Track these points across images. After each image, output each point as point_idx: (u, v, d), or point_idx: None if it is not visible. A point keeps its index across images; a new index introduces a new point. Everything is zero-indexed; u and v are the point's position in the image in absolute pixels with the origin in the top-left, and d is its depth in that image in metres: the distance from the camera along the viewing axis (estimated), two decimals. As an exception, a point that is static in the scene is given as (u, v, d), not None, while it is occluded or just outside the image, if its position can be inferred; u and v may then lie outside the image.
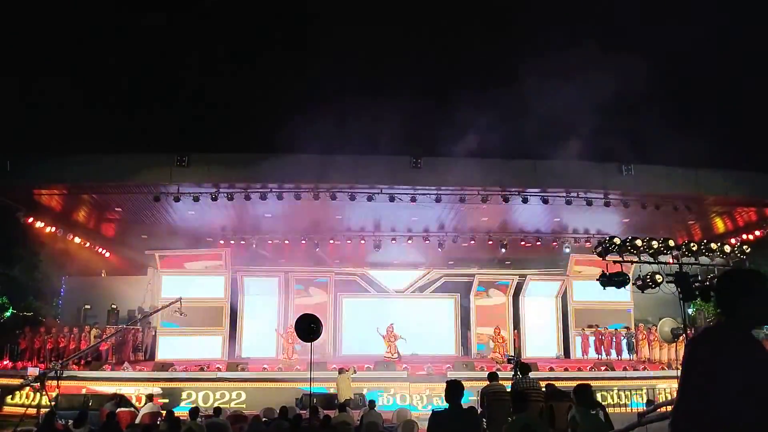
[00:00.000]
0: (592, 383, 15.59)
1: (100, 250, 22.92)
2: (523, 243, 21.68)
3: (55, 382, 12.20)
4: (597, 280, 10.20)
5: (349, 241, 21.25)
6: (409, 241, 21.40)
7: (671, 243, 9.73)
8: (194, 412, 10.14)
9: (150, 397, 12.78)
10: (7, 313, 23.44)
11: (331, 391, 14.48)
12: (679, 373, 2.27)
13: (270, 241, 21.58)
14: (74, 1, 21.81)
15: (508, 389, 9.27)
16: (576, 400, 6.16)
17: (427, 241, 21.34)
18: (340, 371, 14.16)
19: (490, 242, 21.37)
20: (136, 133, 21.51)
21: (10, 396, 15.15)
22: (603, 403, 15.02)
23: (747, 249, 10.10)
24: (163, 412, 11.45)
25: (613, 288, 10.01)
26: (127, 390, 14.81)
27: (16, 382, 14.53)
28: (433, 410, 5.20)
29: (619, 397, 15.65)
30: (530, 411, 7.64)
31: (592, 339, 21.86)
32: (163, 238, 21.10)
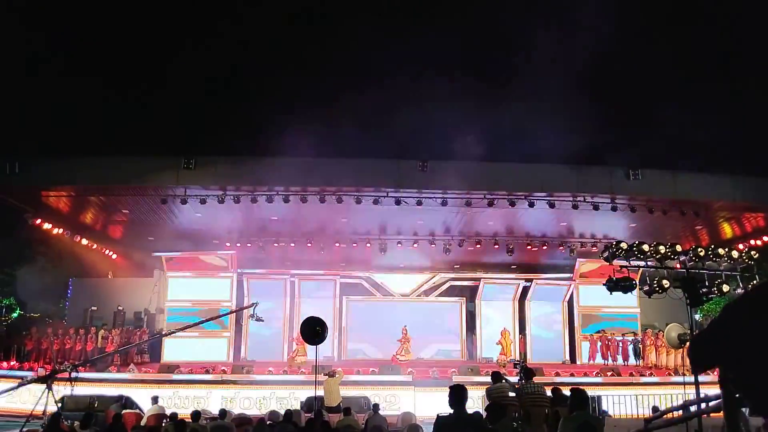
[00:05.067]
0: (599, 389, 15.65)
1: (106, 251, 23.03)
2: (529, 247, 21.62)
3: (67, 382, 12.27)
4: (603, 284, 10.15)
5: (354, 245, 21.25)
6: (415, 245, 21.37)
7: (678, 248, 9.66)
8: (195, 415, 10.15)
9: (155, 399, 12.81)
10: (15, 314, 23.56)
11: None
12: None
13: (276, 244, 21.61)
14: (82, 4, 21.94)
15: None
16: (584, 405, 6.07)
17: (433, 245, 21.31)
18: (330, 374, 14.03)
19: (496, 246, 21.33)
20: (144, 136, 21.59)
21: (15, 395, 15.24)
22: (606, 409, 15.00)
23: (755, 254, 10.00)
24: (168, 414, 11.47)
25: (620, 293, 9.95)
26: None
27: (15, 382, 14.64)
28: (438, 415, 5.17)
29: (625, 402, 15.54)
30: (508, 417, 7.77)
31: (598, 344, 21.79)
32: (170, 240, 21.16)
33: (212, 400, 15.37)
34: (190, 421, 9.80)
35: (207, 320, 14.68)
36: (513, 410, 8.31)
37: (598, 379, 16.93)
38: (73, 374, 9.42)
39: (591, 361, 21.54)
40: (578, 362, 22.13)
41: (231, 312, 15.60)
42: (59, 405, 10.62)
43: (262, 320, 13.48)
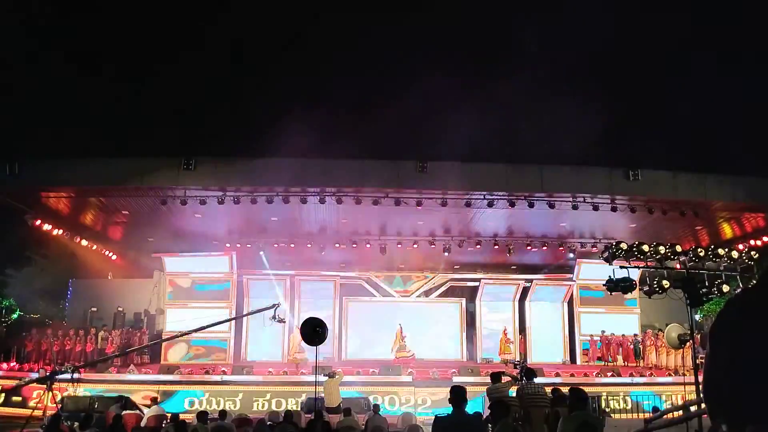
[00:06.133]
0: (599, 389, 15.66)
1: (106, 252, 23.03)
2: (529, 247, 21.62)
3: (69, 383, 12.31)
4: (603, 285, 10.16)
5: (354, 245, 21.24)
6: (415, 245, 21.37)
7: (678, 248, 9.67)
8: (202, 415, 10.15)
9: (155, 400, 12.81)
10: (15, 315, 23.55)
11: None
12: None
13: (276, 245, 21.61)
14: (83, 6, 21.97)
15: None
16: (583, 405, 6.08)
17: (433, 245, 21.30)
18: (330, 375, 14.03)
19: (496, 246, 21.33)
20: (144, 137, 21.62)
21: (17, 397, 15.29)
22: (607, 410, 15.01)
23: (755, 255, 10.01)
24: (168, 415, 11.47)
25: (620, 293, 9.96)
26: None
27: (12, 383, 14.73)
28: (436, 415, 5.17)
29: (625, 403, 15.56)
30: (509, 416, 7.77)
31: (598, 344, 21.80)
32: (170, 241, 21.15)
33: (212, 401, 15.38)
34: (192, 421, 9.80)
35: (224, 321, 14.55)
36: (514, 411, 8.32)
37: (599, 380, 16.95)
38: (74, 375, 9.44)
39: (591, 362, 21.55)
40: (578, 362, 22.13)
41: (251, 313, 15.43)
42: (59, 406, 10.64)
43: (284, 321, 13.46)
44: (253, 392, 15.80)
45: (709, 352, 1.80)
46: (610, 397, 15.67)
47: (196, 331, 14.05)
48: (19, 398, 15.20)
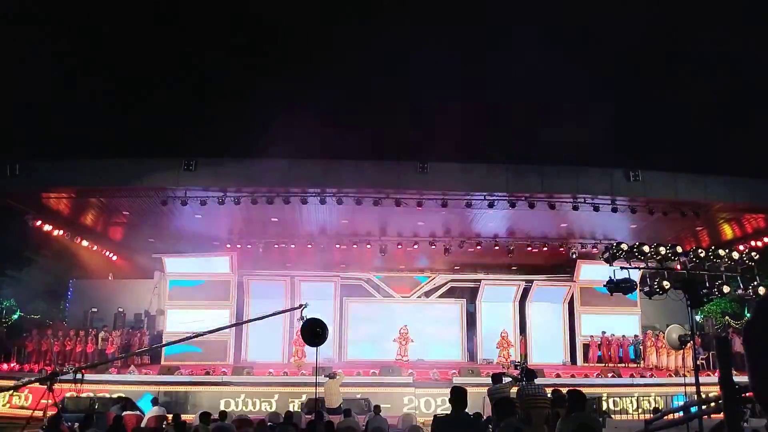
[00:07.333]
0: (599, 390, 15.66)
1: (107, 253, 23.02)
2: (529, 248, 21.61)
3: (72, 383, 12.26)
4: (604, 286, 10.15)
5: (355, 246, 21.24)
6: (416, 246, 21.36)
7: (679, 249, 9.66)
8: (205, 416, 10.14)
9: (156, 401, 12.80)
10: (15, 316, 23.54)
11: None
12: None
13: (276, 245, 21.60)
14: (83, 6, 21.99)
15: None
16: (582, 406, 6.07)
17: (433, 246, 21.29)
18: (330, 376, 14.01)
19: (497, 247, 21.32)
20: (144, 137, 21.64)
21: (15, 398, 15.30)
22: (608, 410, 15.00)
23: (756, 256, 10.00)
24: (169, 416, 11.47)
25: (620, 294, 9.95)
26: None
27: (10, 383, 14.74)
28: (435, 416, 5.17)
29: (626, 404, 15.55)
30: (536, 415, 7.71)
31: (599, 345, 21.77)
32: (170, 241, 21.15)
33: (213, 402, 15.35)
34: (193, 422, 9.79)
35: (243, 322, 14.32)
36: (545, 412, 8.28)
37: (599, 381, 16.94)
38: (77, 376, 9.41)
39: (591, 363, 21.52)
40: (578, 363, 22.10)
41: (277, 313, 15.32)
42: (59, 407, 10.62)
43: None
44: (288, 393, 15.83)
45: (751, 354, 1.82)
46: (610, 398, 15.67)
47: (211, 332, 13.97)
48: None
